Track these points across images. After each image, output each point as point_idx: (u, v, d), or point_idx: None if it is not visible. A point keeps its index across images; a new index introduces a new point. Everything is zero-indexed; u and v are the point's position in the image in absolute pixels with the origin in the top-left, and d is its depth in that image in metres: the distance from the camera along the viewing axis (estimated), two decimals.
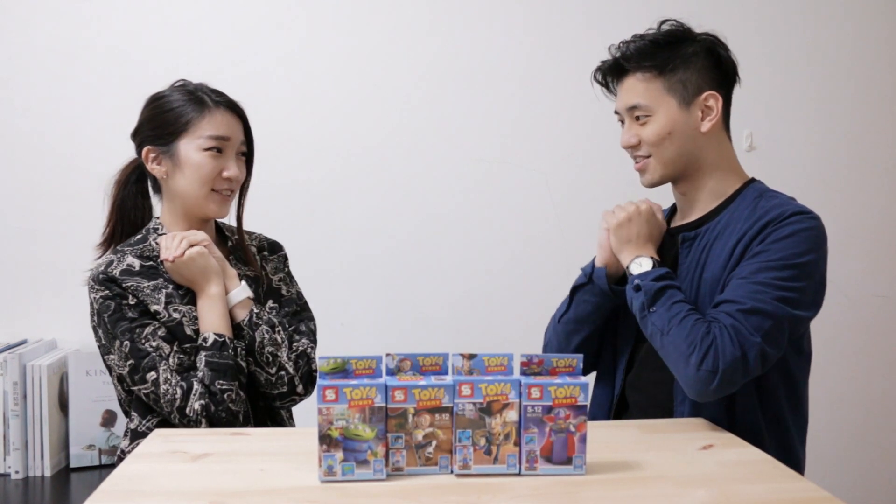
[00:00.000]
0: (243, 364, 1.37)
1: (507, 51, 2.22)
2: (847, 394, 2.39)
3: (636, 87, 1.36)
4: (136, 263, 1.38)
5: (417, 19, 2.21)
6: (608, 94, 1.44)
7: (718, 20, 2.28)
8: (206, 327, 1.35)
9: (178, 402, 1.31)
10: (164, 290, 1.38)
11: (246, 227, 1.52)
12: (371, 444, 0.98)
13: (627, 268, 1.33)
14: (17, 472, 1.90)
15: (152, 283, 1.37)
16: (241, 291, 1.40)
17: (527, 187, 2.22)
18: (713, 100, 1.38)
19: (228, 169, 1.41)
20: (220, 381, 1.32)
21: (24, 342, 2.05)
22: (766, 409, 1.31)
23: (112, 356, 1.36)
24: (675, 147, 1.36)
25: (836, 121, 2.36)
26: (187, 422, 1.32)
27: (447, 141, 2.21)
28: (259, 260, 1.54)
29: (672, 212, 1.50)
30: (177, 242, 1.35)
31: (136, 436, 1.38)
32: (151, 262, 1.40)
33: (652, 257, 1.32)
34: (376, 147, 2.19)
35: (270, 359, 1.39)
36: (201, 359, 1.33)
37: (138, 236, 1.44)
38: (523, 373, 1.05)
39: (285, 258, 1.60)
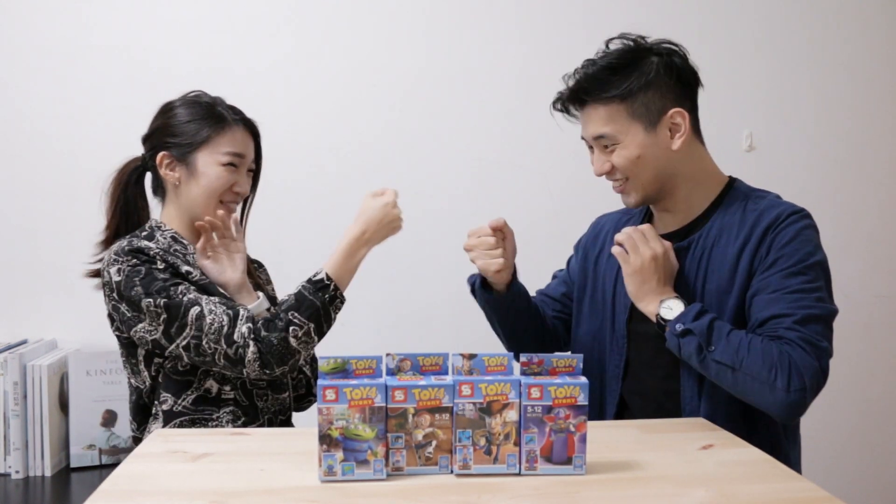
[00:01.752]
0: (333, 318, 1.35)
1: (508, 50, 2.22)
2: (847, 394, 2.38)
3: (599, 116, 1.33)
4: (154, 247, 1.38)
5: (417, 19, 2.21)
6: (570, 120, 1.41)
7: (718, 20, 2.30)
8: (327, 265, 1.36)
9: (225, 328, 1.28)
10: (186, 266, 1.38)
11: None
12: (371, 444, 0.98)
13: (658, 315, 1.27)
14: (17, 471, 1.91)
15: (173, 259, 1.38)
16: (261, 304, 1.41)
17: (527, 187, 2.22)
18: (679, 117, 1.33)
19: (240, 185, 1.45)
20: (295, 314, 1.30)
21: (24, 342, 2.05)
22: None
23: (142, 324, 1.32)
24: (649, 169, 1.33)
25: (836, 121, 2.36)
26: (235, 352, 1.28)
27: (447, 141, 2.21)
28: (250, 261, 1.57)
29: (644, 216, 1.48)
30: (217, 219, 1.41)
31: (171, 416, 1.36)
32: (160, 251, 1.40)
33: (677, 297, 1.28)
34: (376, 147, 2.19)
35: None
36: (296, 288, 1.34)
37: (144, 233, 1.45)
38: (523, 373, 1.05)
39: (267, 272, 1.67)
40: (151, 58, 2.11)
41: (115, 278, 1.34)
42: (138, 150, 2.30)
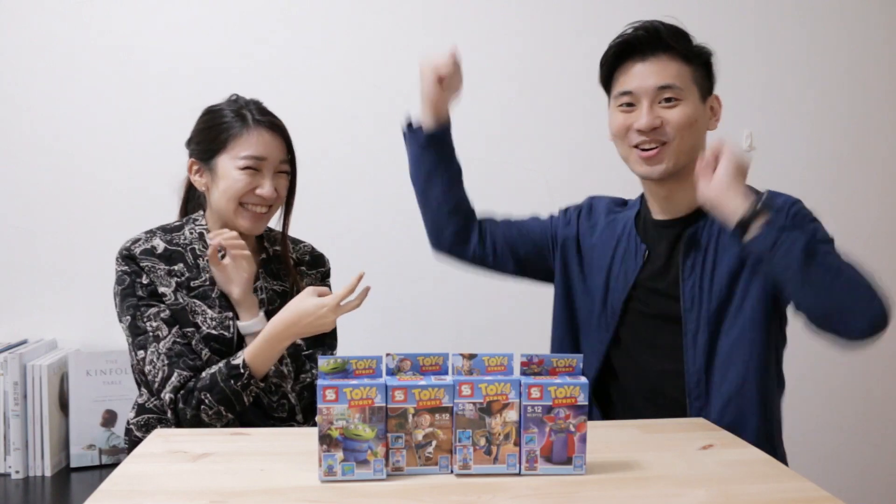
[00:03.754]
0: (246, 401, 1.36)
1: (507, 50, 2.22)
2: (847, 394, 2.39)
3: (670, 67, 1.32)
4: (161, 246, 1.42)
5: (416, 18, 2.21)
6: (617, 73, 1.36)
7: (718, 20, 2.30)
8: (247, 351, 1.36)
9: (156, 384, 1.36)
10: (176, 278, 1.41)
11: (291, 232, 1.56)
12: (371, 444, 0.98)
13: (757, 207, 1.21)
14: (17, 471, 1.91)
15: (169, 267, 1.41)
16: (256, 324, 1.41)
17: (527, 187, 2.22)
18: (716, 102, 1.40)
19: (263, 187, 1.43)
20: (208, 395, 1.33)
21: (24, 342, 2.05)
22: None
23: (122, 325, 1.42)
24: (693, 138, 1.34)
25: (836, 121, 2.36)
26: (163, 406, 1.37)
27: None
28: (294, 275, 1.54)
29: (640, 204, 1.48)
30: (223, 238, 1.41)
31: (142, 411, 1.45)
32: (178, 248, 1.44)
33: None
34: (376, 147, 2.19)
35: (274, 388, 1.42)
36: (214, 367, 1.35)
37: (176, 223, 1.49)
38: (523, 373, 1.05)
39: (325, 274, 1.61)
40: (152, 58, 2.11)
41: (115, 275, 1.43)
42: (138, 151, 2.31)
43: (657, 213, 1.43)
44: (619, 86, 1.37)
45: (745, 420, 1.30)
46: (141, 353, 1.37)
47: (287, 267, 1.53)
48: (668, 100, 1.32)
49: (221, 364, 1.35)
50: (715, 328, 1.32)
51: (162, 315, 1.38)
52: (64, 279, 2.12)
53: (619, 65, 1.37)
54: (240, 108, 1.46)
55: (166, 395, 1.34)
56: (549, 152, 2.23)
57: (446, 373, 1.05)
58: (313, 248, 1.62)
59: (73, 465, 1.98)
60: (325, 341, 1.53)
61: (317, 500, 0.94)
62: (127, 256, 1.41)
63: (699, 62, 1.35)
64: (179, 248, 1.44)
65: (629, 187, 1.54)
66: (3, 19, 2.08)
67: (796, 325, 2.38)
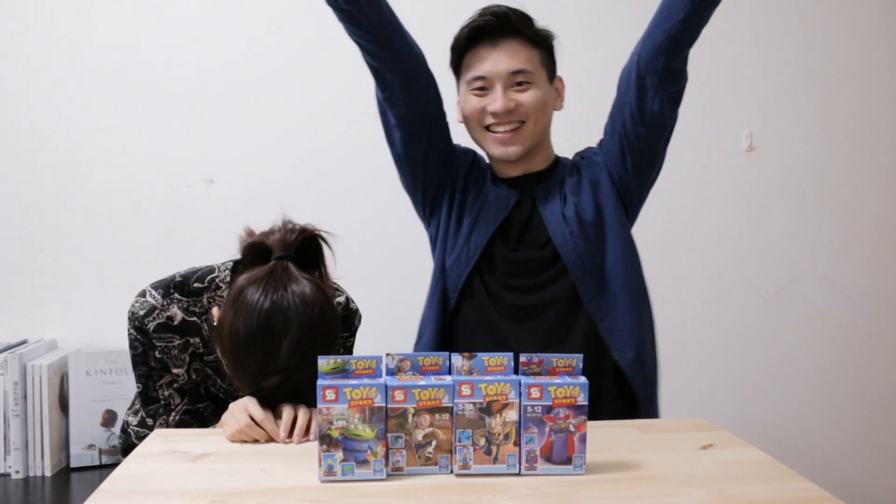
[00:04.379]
0: None
1: None
2: (847, 393, 2.38)
3: (521, 53, 1.38)
4: (179, 317, 1.34)
5: (415, 18, 2.20)
6: (469, 58, 1.41)
7: (717, 20, 2.29)
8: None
9: None
10: (191, 349, 1.36)
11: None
12: (371, 444, 0.98)
13: None
14: (17, 472, 1.91)
15: (184, 340, 1.35)
16: None
17: None
18: (560, 83, 1.47)
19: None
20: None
21: (24, 342, 2.05)
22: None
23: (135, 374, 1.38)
24: (544, 118, 1.42)
25: (836, 121, 2.36)
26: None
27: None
28: None
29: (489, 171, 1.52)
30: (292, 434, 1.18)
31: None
32: (195, 319, 1.36)
33: None
34: (375, 147, 2.18)
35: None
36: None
37: (197, 284, 1.36)
38: (523, 373, 1.05)
39: (351, 334, 1.48)
40: (152, 58, 2.11)
41: (126, 336, 1.35)
42: (138, 151, 2.30)
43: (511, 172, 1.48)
44: (472, 70, 1.40)
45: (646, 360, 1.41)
46: (150, 422, 1.35)
47: None
48: (520, 83, 1.37)
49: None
50: (600, 261, 1.40)
51: (174, 385, 1.35)
52: (64, 279, 2.12)
53: (470, 49, 1.41)
54: (271, 343, 1.14)
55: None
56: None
57: (446, 373, 1.05)
58: (348, 303, 1.46)
59: (73, 465, 1.98)
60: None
61: (317, 500, 0.94)
62: (140, 329, 1.33)
63: (544, 46, 1.41)
64: (196, 319, 1.36)
65: None
66: (4, 19, 2.08)
67: (794, 323, 2.36)
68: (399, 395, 0.99)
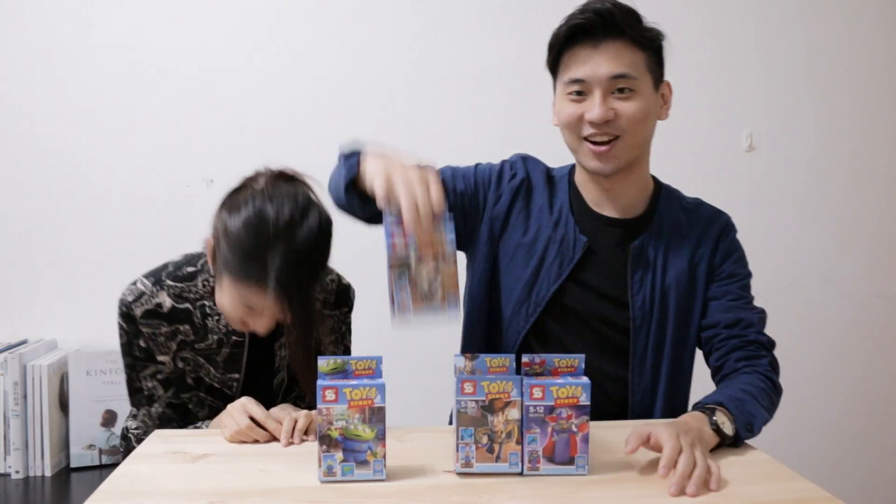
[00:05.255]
0: None
1: (507, 50, 2.22)
2: (847, 394, 2.39)
3: (624, 55, 1.22)
4: (168, 304, 1.32)
5: (416, 18, 2.21)
6: (567, 58, 1.26)
7: (718, 20, 2.29)
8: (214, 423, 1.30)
9: (143, 439, 1.26)
10: (180, 337, 1.33)
11: None
12: (371, 444, 0.98)
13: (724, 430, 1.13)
14: (17, 472, 1.91)
15: (172, 328, 1.32)
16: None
17: None
18: (667, 89, 1.31)
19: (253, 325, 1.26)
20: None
21: (24, 342, 2.05)
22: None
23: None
24: (646, 131, 1.27)
25: (836, 121, 2.36)
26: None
27: (447, 141, 2.21)
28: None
29: (571, 188, 1.37)
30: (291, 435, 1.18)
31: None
32: (186, 305, 1.33)
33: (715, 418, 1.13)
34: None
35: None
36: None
37: (191, 269, 1.34)
38: (525, 373, 1.05)
39: (349, 310, 1.47)
40: (152, 59, 2.11)
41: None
42: (138, 151, 2.30)
43: (595, 205, 1.35)
44: (569, 72, 1.26)
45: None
46: (134, 411, 1.36)
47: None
48: (621, 90, 1.23)
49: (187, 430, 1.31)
50: (658, 350, 1.32)
51: (158, 376, 1.34)
52: (64, 279, 2.12)
53: (569, 49, 1.26)
54: (262, 248, 1.17)
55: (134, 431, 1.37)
56: (550, 152, 2.22)
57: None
58: (340, 280, 1.45)
59: (73, 465, 1.98)
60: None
61: (317, 500, 0.94)
62: (128, 316, 1.31)
63: (651, 47, 1.26)
64: (188, 305, 1.32)
65: None
66: (3, 19, 2.08)
67: (795, 323, 2.36)
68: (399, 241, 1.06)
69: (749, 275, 1.38)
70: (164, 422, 1.34)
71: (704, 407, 1.14)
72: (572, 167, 1.41)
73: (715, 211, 1.41)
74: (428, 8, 2.21)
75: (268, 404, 1.23)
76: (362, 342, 2.05)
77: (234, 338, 1.35)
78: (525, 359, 1.04)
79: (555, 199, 1.37)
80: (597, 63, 1.23)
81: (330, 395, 0.97)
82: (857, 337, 2.38)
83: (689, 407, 1.23)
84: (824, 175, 2.36)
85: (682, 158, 2.30)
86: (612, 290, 1.32)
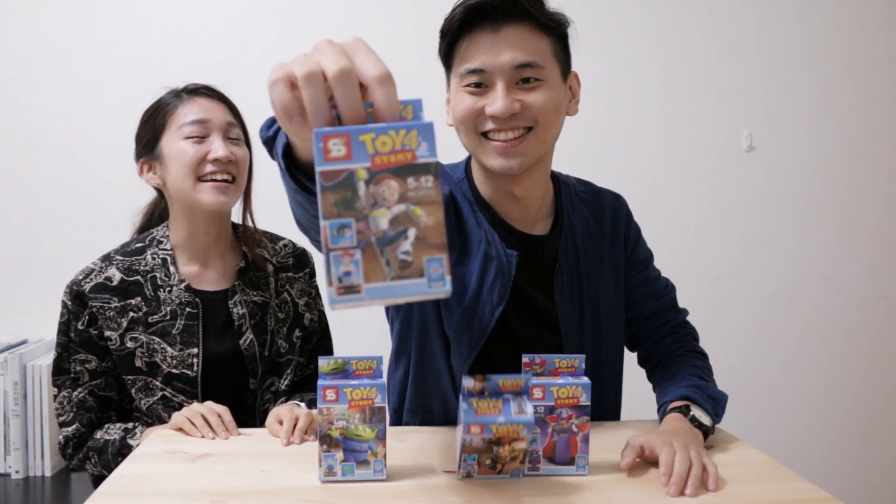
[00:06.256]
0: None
1: None
2: (847, 394, 2.39)
3: (529, 42, 1.08)
4: (117, 277, 1.34)
5: (414, 19, 2.21)
6: (462, 45, 1.11)
7: (718, 20, 2.30)
8: (147, 434, 1.28)
9: (58, 421, 1.36)
10: (132, 312, 1.33)
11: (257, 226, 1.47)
12: (371, 444, 0.98)
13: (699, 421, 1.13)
14: (17, 471, 1.90)
15: (123, 303, 1.33)
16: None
17: None
18: (576, 81, 1.18)
19: (214, 151, 1.33)
20: (95, 455, 1.32)
21: (24, 342, 2.05)
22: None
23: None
24: (556, 125, 1.13)
25: (836, 121, 2.36)
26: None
27: (446, 141, 2.20)
28: (276, 283, 1.44)
29: (476, 196, 1.22)
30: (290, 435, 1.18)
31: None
32: (136, 278, 1.35)
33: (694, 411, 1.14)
34: None
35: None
36: (112, 435, 1.32)
37: (138, 244, 1.39)
38: (525, 373, 1.04)
39: (312, 273, 1.51)
40: (152, 57, 2.11)
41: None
42: None
43: (510, 219, 1.21)
44: (466, 62, 1.11)
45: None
46: (55, 391, 1.36)
47: (261, 268, 1.43)
48: (526, 80, 1.09)
49: (117, 436, 1.30)
50: (594, 359, 1.26)
51: (87, 365, 1.34)
52: (64, 279, 2.11)
53: (465, 35, 1.11)
54: (169, 93, 1.39)
55: (61, 437, 1.35)
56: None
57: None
58: (294, 245, 1.50)
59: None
60: (323, 344, 1.52)
61: (317, 500, 0.94)
62: (75, 294, 1.33)
63: (557, 33, 1.12)
64: (139, 278, 1.34)
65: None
66: (3, 19, 2.08)
67: (795, 323, 2.37)
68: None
69: (650, 249, 1.38)
70: (84, 409, 1.34)
71: (676, 407, 1.15)
72: (466, 164, 1.26)
73: (611, 197, 1.34)
74: (428, 8, 2.21)
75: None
76: (362, 342, 2.06)
77: (188, 309, 1.35)
78: (525, 359, 1.04)
79: (477, 216, 1.20)
80: (498, 50, 1.08)
81: (330, 394, 0.97)
82: (857, 337, 2.38)
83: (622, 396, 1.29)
84: (824, 175, 2.36)
85: (682, 158, 2.31)
86: (544, 313, 1.23)
